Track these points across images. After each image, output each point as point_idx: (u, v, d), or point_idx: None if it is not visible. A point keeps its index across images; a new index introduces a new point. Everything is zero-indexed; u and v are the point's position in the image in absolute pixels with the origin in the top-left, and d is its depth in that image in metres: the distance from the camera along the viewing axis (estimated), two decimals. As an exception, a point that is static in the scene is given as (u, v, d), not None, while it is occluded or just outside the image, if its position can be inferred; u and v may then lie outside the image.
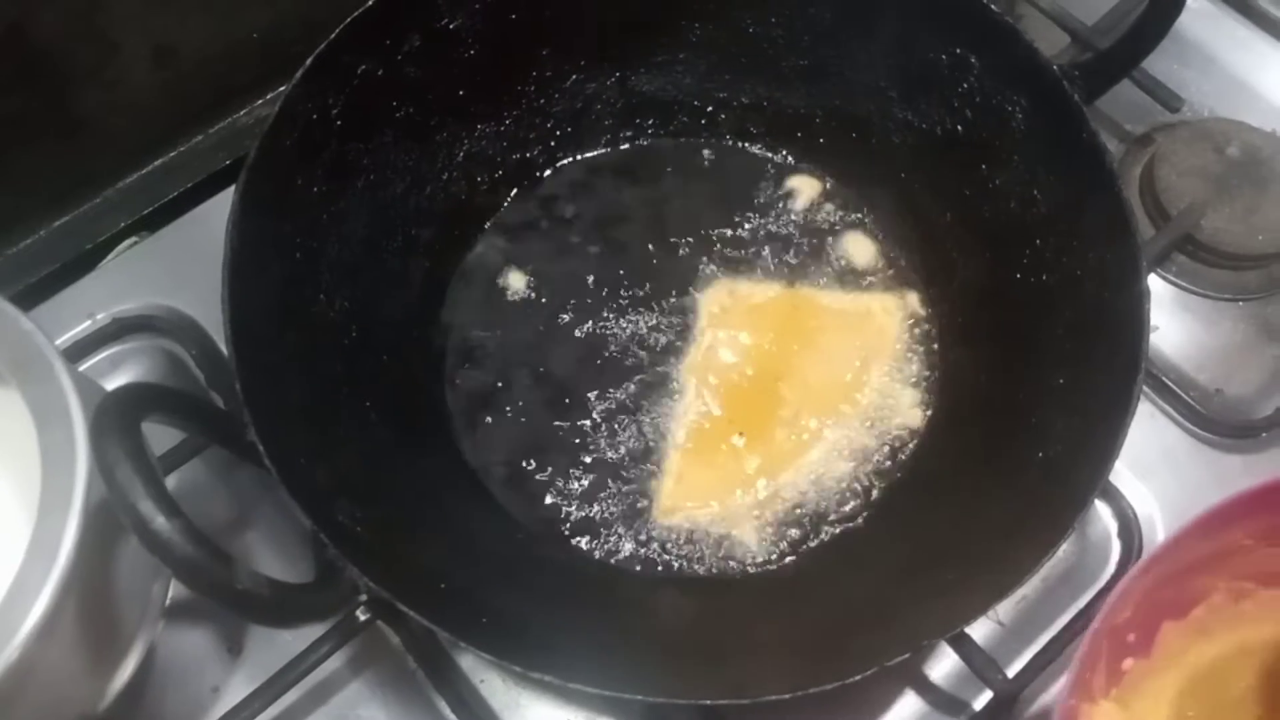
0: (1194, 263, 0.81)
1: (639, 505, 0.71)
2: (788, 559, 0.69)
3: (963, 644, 0.64)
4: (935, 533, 0.65)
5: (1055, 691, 0.67)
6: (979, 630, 0.66)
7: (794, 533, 0.70)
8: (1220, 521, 0.56)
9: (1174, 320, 0.80)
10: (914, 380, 0.74)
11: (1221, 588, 0.61)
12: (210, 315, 0.76)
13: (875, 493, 0.71)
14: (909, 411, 0.73)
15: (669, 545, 0.70)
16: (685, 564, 0.69)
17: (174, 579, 0.64)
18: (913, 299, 0.77)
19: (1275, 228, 0.80)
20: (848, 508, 0.71)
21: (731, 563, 0.69)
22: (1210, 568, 0.60)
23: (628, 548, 0.69)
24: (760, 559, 0.69)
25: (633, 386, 0.74)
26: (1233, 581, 0.61)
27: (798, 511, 0.71)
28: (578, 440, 0.73)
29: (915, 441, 0.72)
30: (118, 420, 0.44)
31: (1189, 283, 0.81)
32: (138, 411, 0.46)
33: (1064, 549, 0.72)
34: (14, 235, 0.79)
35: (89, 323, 0.76)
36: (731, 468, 0.71)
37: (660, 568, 0.69)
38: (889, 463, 0.72)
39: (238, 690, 0.64)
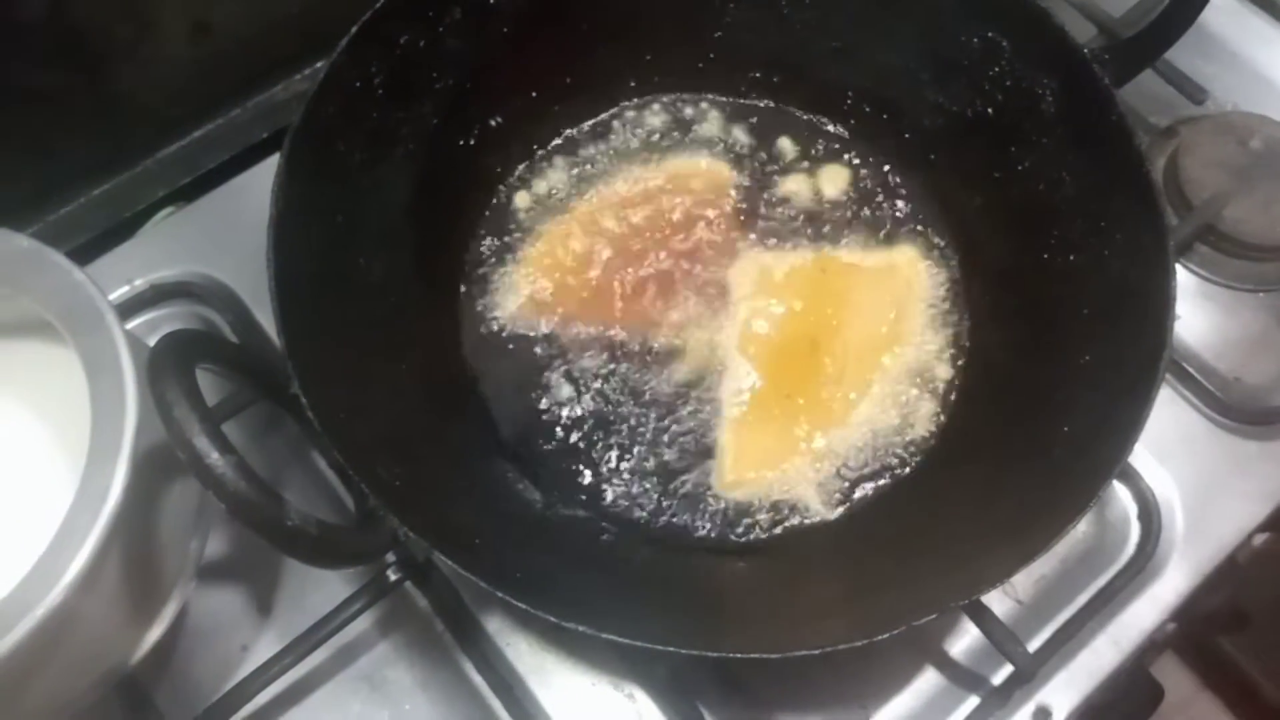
0: (1216, 253, 0.82)
1: (696, 481, 0.71)
2: (825, 527, 0.69)
3: (984, 618, 0.65)
4: (962, 503, 0.66)
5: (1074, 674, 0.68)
6: (999, 607, 0.67)
7: (839, 496, 0.71)
8: None
9: (1195, 309, 0.81)
10: (944, 353, 0.75)
11: None
12: (245, 283, 0.77)
13: (911, 457, 0.72)
14: (943, 366, 0.74)
15: (727, 518, 0.70)
16: (731, 536, 0.69)
17: (208, 540, 0.66)
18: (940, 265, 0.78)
19: (1296, 220, 0.81)
20: (888, 468, 0.71)
21: (777, 534, 0.69)
22: None
23: (673, 522, 0.70)
24: (811, 519, 0.70)
25: (673, 363, 0.75)
26: None
27: (844, 472, 0.71)
28: (622, 416, 0.73)
29: (948, 408, 0.73)
30: (174, 361, 0.45)
31: (1211, 273, 0.82)
32: (193, 355, 0.47)
33: (1083, 530, 0.74)
34: (54, 202, 0.81)
35: (127, 288, 0.77)
36: (785, 433, 0.72)
37: (704, 541, 0.69)
38: (929, 418, 0.73)
39: (267, 649, 0.66)
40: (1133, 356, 0.61)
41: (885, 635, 0.52)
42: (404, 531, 0.52)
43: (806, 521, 0.70)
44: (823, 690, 0.68)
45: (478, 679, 0.67)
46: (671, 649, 0.52)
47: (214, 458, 0.43)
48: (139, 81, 0.80)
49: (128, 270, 0.78)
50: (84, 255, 0.79)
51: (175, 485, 0.60)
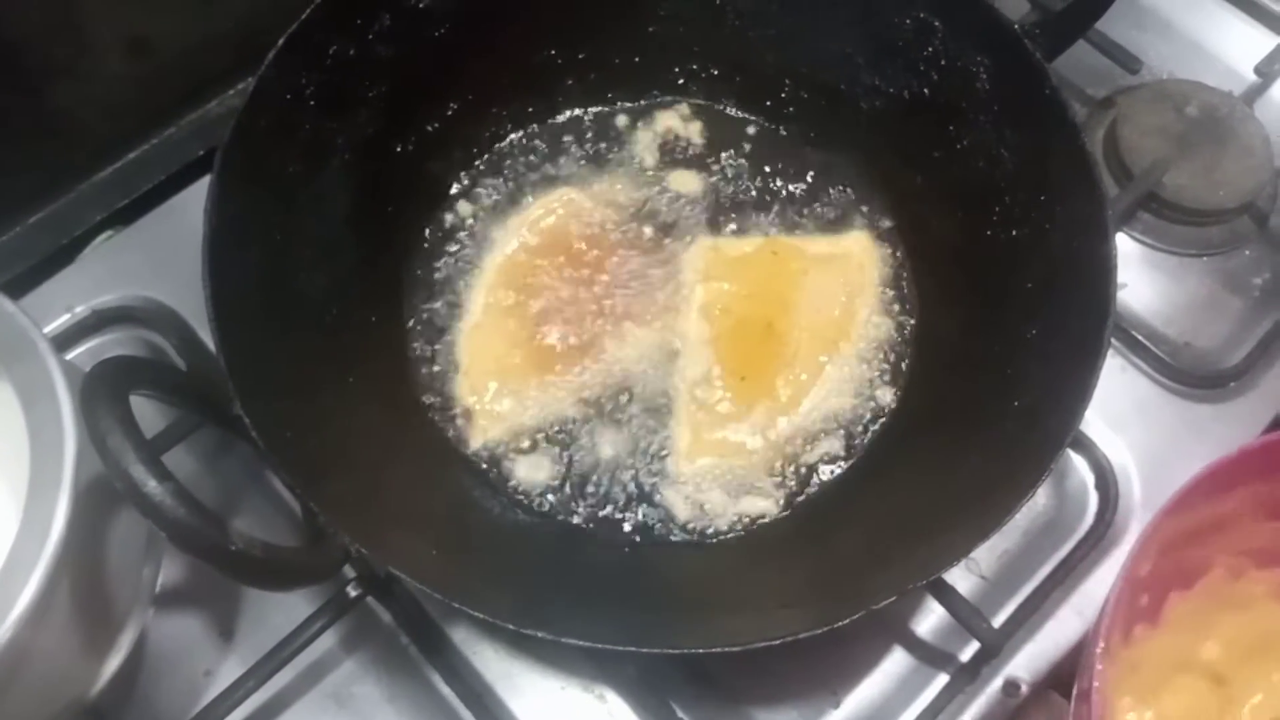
0: (1159, 220, 0.83)
1: (652, 476, 0.71)
2: (785, 512, 0.70)
3: (948, 596, 0.65)
4: (918, 485, 0.66)
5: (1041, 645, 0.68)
6: (963, 584, 0.68)
7: (797, 479, 0.71)
8: (1219, 481, 0.57)
9: (1142, 277, 0.82)
10: (894, 333, 0.75)
11: (1221, 562, 0.62)
12: (189, 304, 0.76)
13: (867, 436, 0.72)
14: (894, 348, 0.75)
15: (679, 510, 0.70)
16: (695, 526, 0.69)
17: (162, 569, 0.65)
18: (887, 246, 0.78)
19: (1235, 183, 0.82)
20: (845, 448, 0.72)
21: (739, 521, 0.69)
22: (1210, 539, 0.61)
23: (635, 518, 0.70)
24: (767, 508, 0.70)
25: (627, 351, 0.75)
26: (1231, 557, 0.62)
27: (802, 454, 0.71)
28: (573, 413, 0.73)
29: (900, 389, 0.73)
30: (107, 389, 0.45)
31: (1155, 240, 0.83)
32: (127, 382, 0.46)
33: (1043, 503, 0.74)
34: (-9, 232, 0.79)
35: (68, 316, 0.76)
36: (740, 418, 0.72)
37: (668, 534, 0.69)
38: (882, 400, 0.73)
39: (231, 673, 0.65)
40: (1078, 326, 0.61)
41: (845, 621, 0.52)
42: (355, 547, 0.52)
43: (763, 511, 0.70)
44: (793, 679, 0.68)
45: (446, 690, 0.66)
46: (632, 649, 0.51)
47: (151, 485, 0.42)
48: (77, 101, 0.78)
49: (69, 297, 0.76)
50: (24, 284, 0.77)
51: (122, 512, 0.59)
